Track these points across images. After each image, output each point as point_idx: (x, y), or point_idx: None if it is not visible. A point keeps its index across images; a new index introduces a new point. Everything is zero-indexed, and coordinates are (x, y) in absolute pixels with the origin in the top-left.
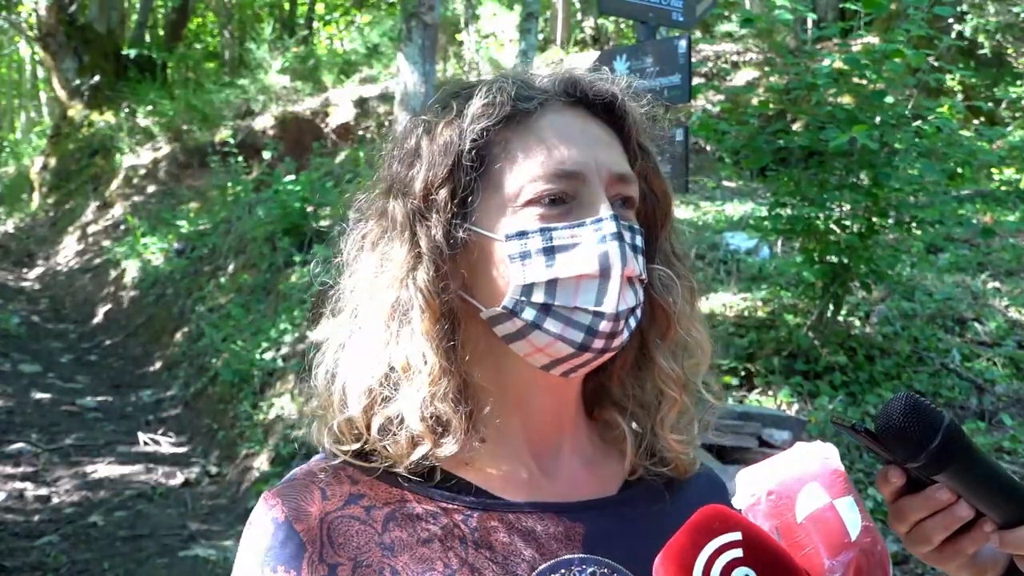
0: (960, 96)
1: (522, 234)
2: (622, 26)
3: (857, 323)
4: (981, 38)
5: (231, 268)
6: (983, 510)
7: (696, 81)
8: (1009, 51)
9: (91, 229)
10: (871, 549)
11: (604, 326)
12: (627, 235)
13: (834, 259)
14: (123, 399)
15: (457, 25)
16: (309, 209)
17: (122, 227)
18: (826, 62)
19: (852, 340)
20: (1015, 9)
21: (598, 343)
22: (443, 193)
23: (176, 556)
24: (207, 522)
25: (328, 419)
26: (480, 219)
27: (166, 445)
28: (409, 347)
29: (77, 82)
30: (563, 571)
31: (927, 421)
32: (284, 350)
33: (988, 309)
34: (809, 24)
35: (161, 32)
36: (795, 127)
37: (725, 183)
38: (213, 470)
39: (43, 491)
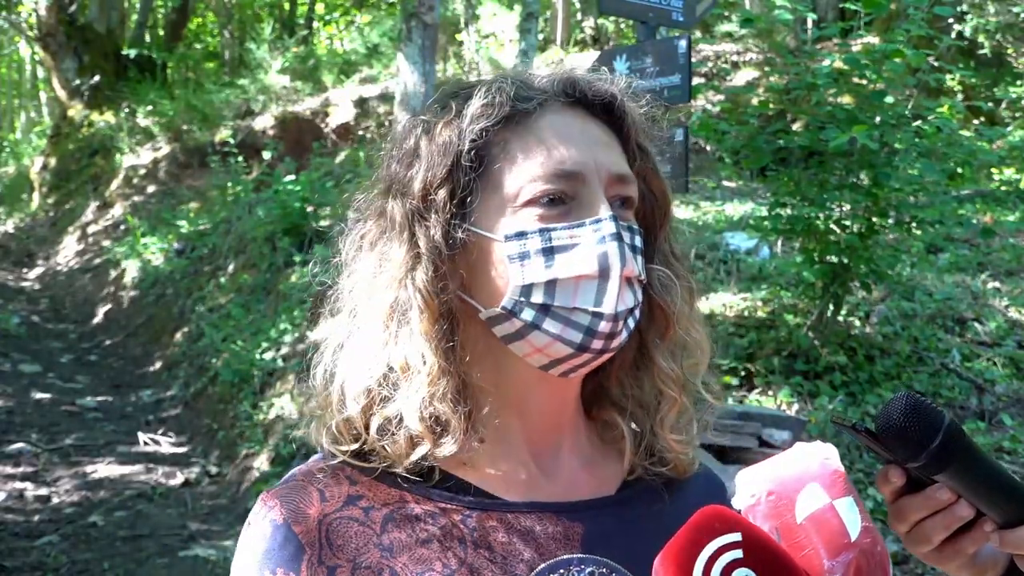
0: (960, 96)
1: (521, 234)
2: (622, 26)
3: (857, 323)
4: (981, 38)
5: (231, 268)
6: (983, 510)
7: (696, 81)
8: (1009, 51)
9: (91, 229)
10: (871, 550)
11: (603, 327)
12: (626, 235)
13: (834, 259)
14: (123, 399)
15: (457, 25)
16: (309, 209)
17: (122, 227)
18: (826, 62)
19: (852, 340)
20: (1015, 9)
21: (597, 344)
22: (442, 193)
23: (176, 556)
24: (207, 522)
25: (326, 419)
26: (479, 219)
27: (166, 445)
28: (408, 347)
29: (77, 82)
30: (562, 571)
31: (927, 421)
32: (284, 350)
33: (988, 309)
34: (809, 24)
35: (161, 32)
36: (795, 127)
37: (725, 183)
38: (213, 470)
39: (43, 491)
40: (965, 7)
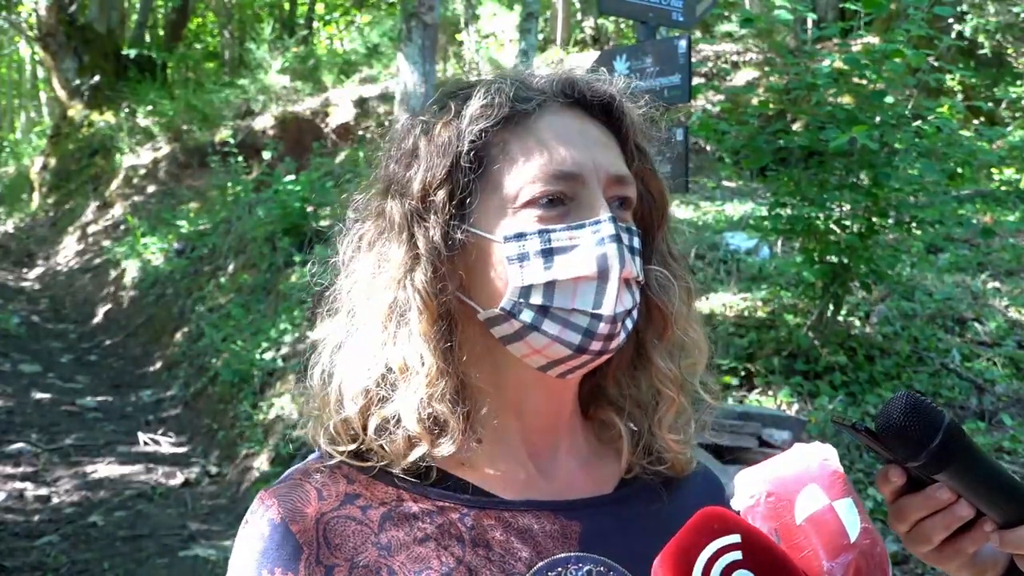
0: (960, 96)
1: (520, 236)
2: (622, 26)
3: (857, 323)
4: (981, 38)
5: (231, 268)
6: (983, 509)
7: (696, 81)
8: (1009, 51)
9: (91, 229)
10: (870, 551)
11: (602, 328)
12: (625, 237)
13: (834, 259)
14: (123, 399)
15: (457, 25)
16: (309, 209)
17: (122, 227)
18: (826, 62)
19: (852, 340)
20: (1015, 9)
21: (595, 345)
22: (441, 194)
23: (176, 556)
24: (207, 522)
25: (324, 419)
26: (478, 220)
27: (166, 445)
28: (407, 348)
29: (77, 82)
30: (559, 569)
31: (927, 420)
32: (284, 350)
33: (988, 309)
34: (809, 24)
35: (161, 32)
36: (795, 127)
37: (725, 183)
38: (213, 470)
39: (43, 491)
40: (965, 7)
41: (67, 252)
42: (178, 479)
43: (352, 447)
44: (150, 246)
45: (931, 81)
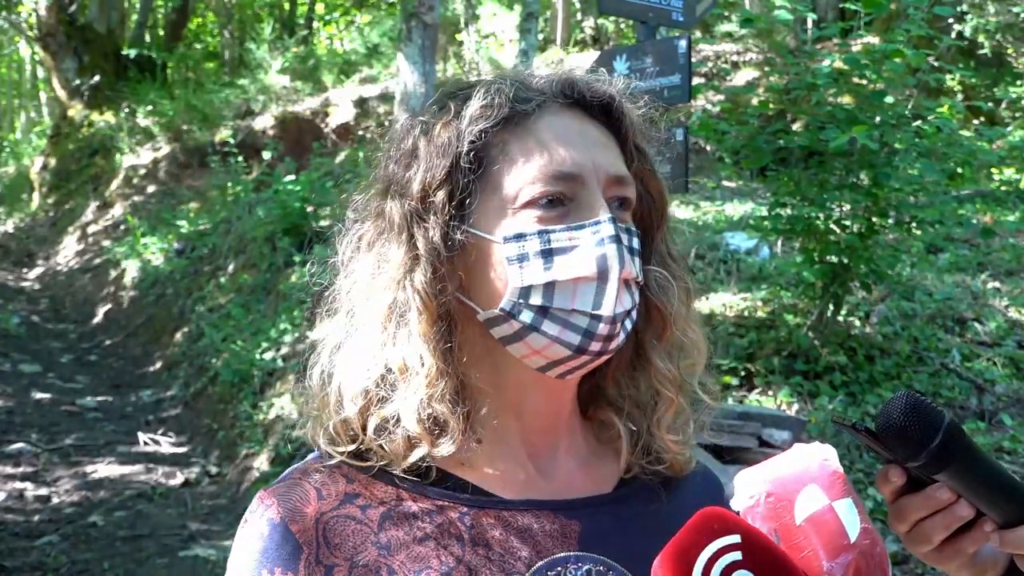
0: (960, 96)
1: (520, 236)
2: (622, 26)
3: (857, 323)
4: (981, 38)
5: (231, 268)
6: (983, 509)
7: (696, 81)
8: (1009, 51)
9: (91, 229)
10: (870, 551)
11: (601, 329)
12: (624, 237)
13: (834, 259)
14: (123, 399)
15: (457, 25)
16: (309, 209)
17: (122, 227)
18: (826, 62)
19: (852, 340)
20: (1015, 9)
21: (595, 346)
22: (441, 195)
23: (176, 556)
24: (207, 522)
25: (324, 420)
26: (478, 221)
27: (166, 445)
28: (406, 349)
29: (77, 82)
30: (559, 568)
31: (927, 420)
32: (284, 350)
33: (988, 309)
34: (809, 24)
35: (161, 32)
36: (795, 127)
37: (725, 183)
38: (213, 470)
39: (43, 491)
40: (965, 7)
41: (67, 252)
42: (178, 479)
43: (351, 447)
44: (150, 246)
45: (931, 81)
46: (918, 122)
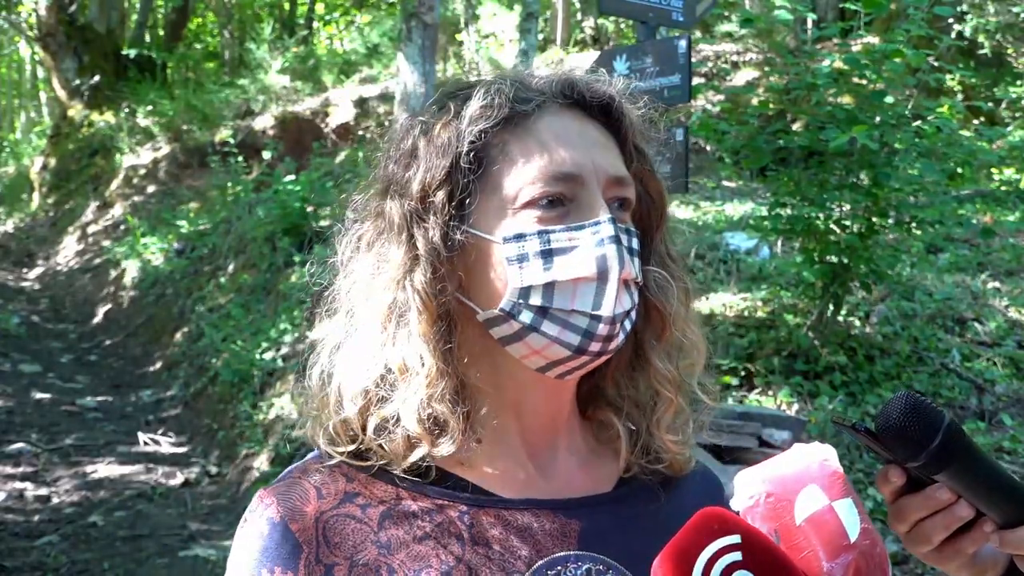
0: (960, 96)
1: (520, 236)
2: (622, 26)
3: (857, 323)
4: (981, 38)
5: (231, 268)
6: (983, 510)
7: (696, 81)
8: (1009, 51)
9: (91, 229)
10: (870, 551)
11: (601, 329)
12: (624, 238)
13: (834, 259)
14: (123, 399)
15: (457, 25)
16: (309, 209)
17: (122, 227)
18: (826, 62)
19: (852, 340)
20: (1015, 9)
21: (594, 346)
22: (440, 195)
23: (176, 556)
24: (207, 522)
25: (323, 420)
26: (478, 221)
27: (166, 445)
28: (406, 349)
29: (77, 82)
30: (559, 568)
31: (927, 420)
32: (284, 350)
33: (988, 309)
34: (809, 24)
35: (161, 32)
36: (795, 127)
37: (725, 183)
38: (213, 470)
39: (43, 491)
40: (965, 7)
41: (67, 252)
42: (178, 479)
43: (351, 447)
44: (150, 246)
45: (931, 81)
46: (918, 122)
